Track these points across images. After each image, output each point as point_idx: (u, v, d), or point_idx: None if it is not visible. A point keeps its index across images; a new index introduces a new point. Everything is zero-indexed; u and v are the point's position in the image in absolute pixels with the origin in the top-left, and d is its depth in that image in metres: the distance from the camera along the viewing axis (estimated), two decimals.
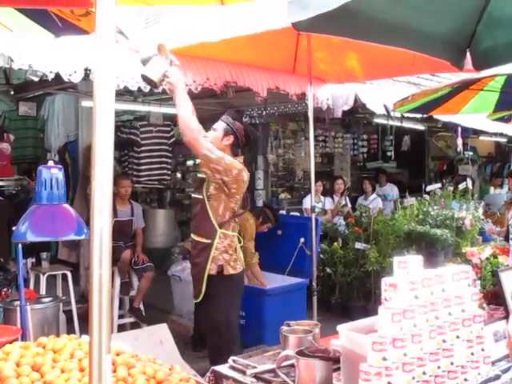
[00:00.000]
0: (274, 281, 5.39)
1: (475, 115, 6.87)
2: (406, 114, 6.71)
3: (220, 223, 3.59)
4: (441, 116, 7.02)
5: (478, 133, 9.57)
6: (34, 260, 5.59)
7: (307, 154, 7.94)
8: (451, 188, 6.81)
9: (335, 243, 6.46)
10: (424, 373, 1.87)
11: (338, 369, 2.06)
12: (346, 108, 5.91)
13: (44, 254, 5.54)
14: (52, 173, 2.64)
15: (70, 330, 4.35)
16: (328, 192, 8.17)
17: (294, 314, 4.13)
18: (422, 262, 2.02)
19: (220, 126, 3.70)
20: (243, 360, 2.35)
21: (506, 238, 5.49)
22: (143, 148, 7.39)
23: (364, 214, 6.59)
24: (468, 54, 3.32)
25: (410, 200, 6.78)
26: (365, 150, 10.28)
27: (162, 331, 3.10)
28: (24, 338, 3.03)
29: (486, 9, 3.03)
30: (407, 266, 1.96)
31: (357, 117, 8.74)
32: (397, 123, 8.45)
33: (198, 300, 3.67)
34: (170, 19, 4.17)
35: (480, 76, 4.47)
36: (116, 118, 6.49)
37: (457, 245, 6.03)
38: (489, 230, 6.60)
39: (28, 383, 1.90)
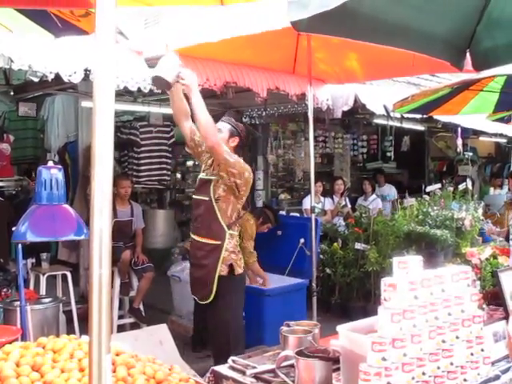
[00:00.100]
0: (273, 281, 5.38)
1: (475, 116, 6.87)
2: (405, 115, 6.70)
3: (228, 224, 3.59)
4: (441, 116, 7.03)
5: (477, 133, 9.56)
6: (33, 260, 5.59)
7: (307, 155, 7.93)
8: (451, 188, 6.79)
9: (335, 244, 6.46)
10: (423, 373, 1.88)
11: (338, 369, 2.06)
12: (345, 108, 5.91)
13: (44, 255, 5.54)
14: (52, 173, 2.65)
15: (70, 331, 4.36)
16: (328, 192, 8.18)
17: (293, 314, 4.15)
18: (421, 262, 2.02)
19: (225, 127, 3.68)
20: (243, 360, 2.35)
21: (507, 239, 5.49)
22: (143, 148, 7.38)
23: (364, 215, 6.60)
24: (468, 55, 3.31)
25: (410, 200, 6.76)
26: (364, 150, 10.27)
27: (161, 331, 3.11)
28: (24, 338, 3.03)
29: (485, 9, 3.04)
30: (407, 267, 1.96)
31: (357, 117, 8.73)
32: (397, 124, 8.44)
33: (208, 301, 3.61)
34: (170, 20, 4.17)
35: (480, 76, 4.47)
36: (116, 118, 6.43)
37: (456, 245, 6.02)
38: (488, 230, 6.60)
39: (28, 383, 1.90)
